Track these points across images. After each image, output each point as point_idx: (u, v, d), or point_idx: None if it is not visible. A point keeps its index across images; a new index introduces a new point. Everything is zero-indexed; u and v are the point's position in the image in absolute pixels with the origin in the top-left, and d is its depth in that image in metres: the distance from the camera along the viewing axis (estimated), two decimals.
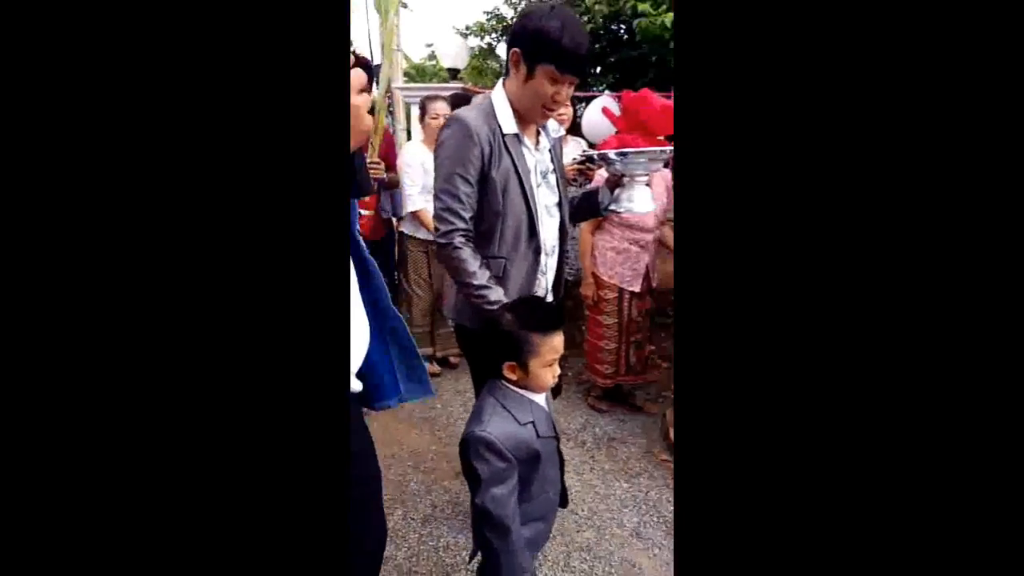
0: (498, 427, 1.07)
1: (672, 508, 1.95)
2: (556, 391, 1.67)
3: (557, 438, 1.22)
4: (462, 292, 1.31)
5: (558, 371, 1.14)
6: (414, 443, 2.37)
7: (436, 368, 2.93)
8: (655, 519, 1.88)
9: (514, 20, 1.34)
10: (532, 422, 1.12)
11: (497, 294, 1.26)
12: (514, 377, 1.12)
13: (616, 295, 2.39)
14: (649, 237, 2.31)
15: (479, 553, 1.17)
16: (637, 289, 2.36)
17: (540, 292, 1.43)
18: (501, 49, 5.92)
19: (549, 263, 1.44)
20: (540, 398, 1.17)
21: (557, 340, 1.10)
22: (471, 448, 1.07)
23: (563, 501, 1.36)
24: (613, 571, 1.67)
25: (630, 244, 2.32)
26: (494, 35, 5.81)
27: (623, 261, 2.35)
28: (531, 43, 1.19)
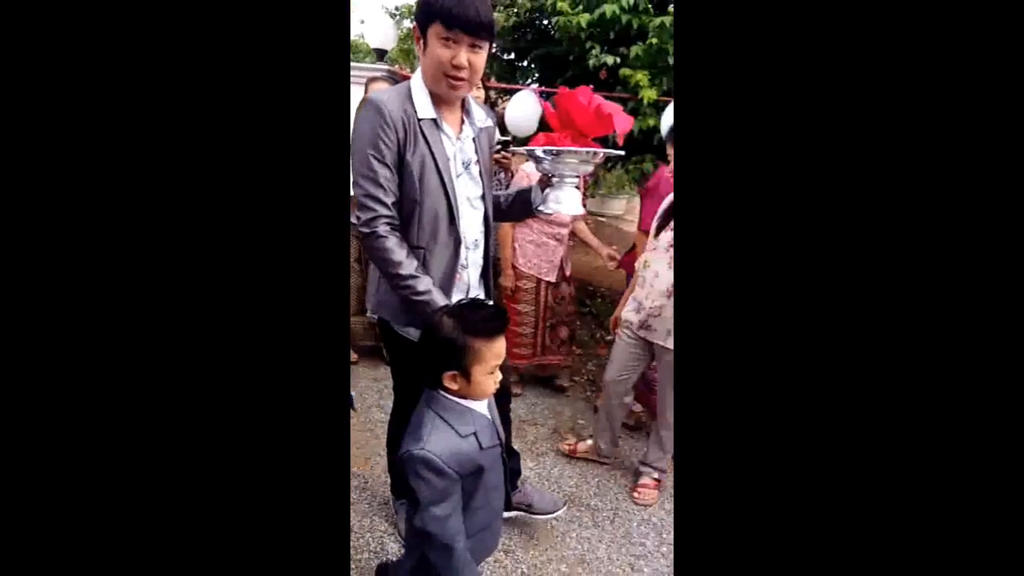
0: (438, 443, 1.01)
1: (573, 483, 2.09)
2: (506, 397, 1.64)
3: (501, 444, 1.15)
4: (389, 283, 1.26)
5: (499, 377, 1.08)
6: None
7: (354, 356, 2.93)
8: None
9: None
10: (474, 433, 1.06)
11: (426, 283, 1.22)
12: (455, 387, 1.05)
13: (534, 285, 2.53)
14: (565, 231, 2.48)
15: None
16: (553, 279, 2.52)
17: (463, 287, 1.39)
18: None
19: (471, 257, 1.39)
20: (482, 405, 1.11)
21: (500, 345, 1.05)
22: (409, 468, 1.01)
23: (507, 505, 1.28)
24: (514, 546, 1.79)
25: (548, 238, 2.48)
26: None
27: (541, 253, 2.49)
28: (420, 12, 1.19)
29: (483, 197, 1.39)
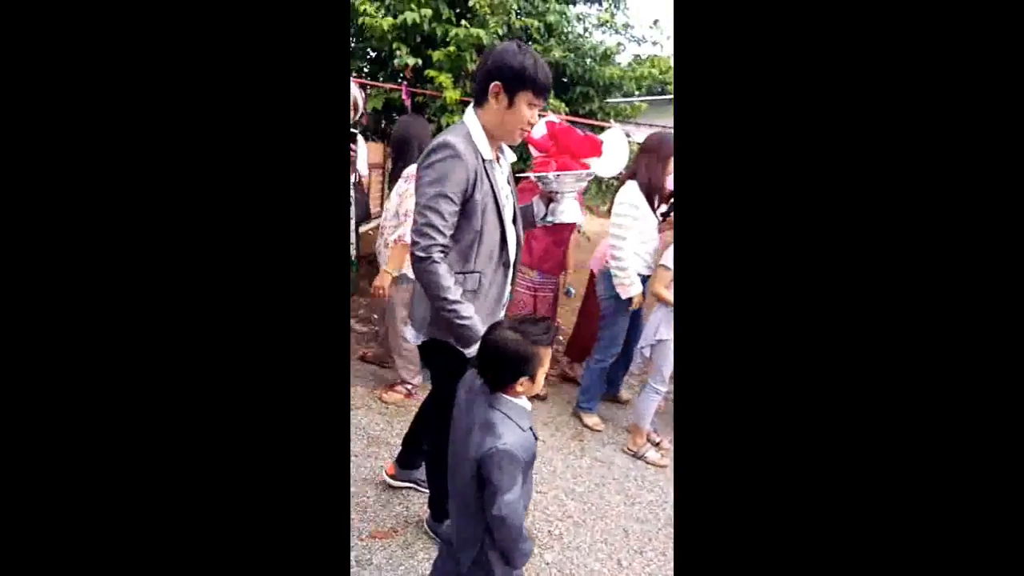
0: (512, 438, 1.19)
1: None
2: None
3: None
4: (435, 305, 1.40)
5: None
6: None
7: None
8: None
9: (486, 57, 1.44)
10: (531, 427, 1.27)
11: (469, 310, 1.39)
12: (521, 390, 1.24)
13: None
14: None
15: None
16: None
17: (505, 301, 1.59)
18: None
19: (512, 274, 1.62)
20: (527, 403, 1.30)
21: (550, 350, 1.26)
22: (492, 462, 1.16)
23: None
24: None
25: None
26: None
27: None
28: (511, 77, 1.39)
29: (515, 220, 1.60)
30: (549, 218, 1.69)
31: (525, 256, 2.82)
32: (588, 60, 3.91)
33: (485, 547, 1.26)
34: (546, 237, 2.86)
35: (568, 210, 1.66)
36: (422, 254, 1.36)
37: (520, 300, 2.85)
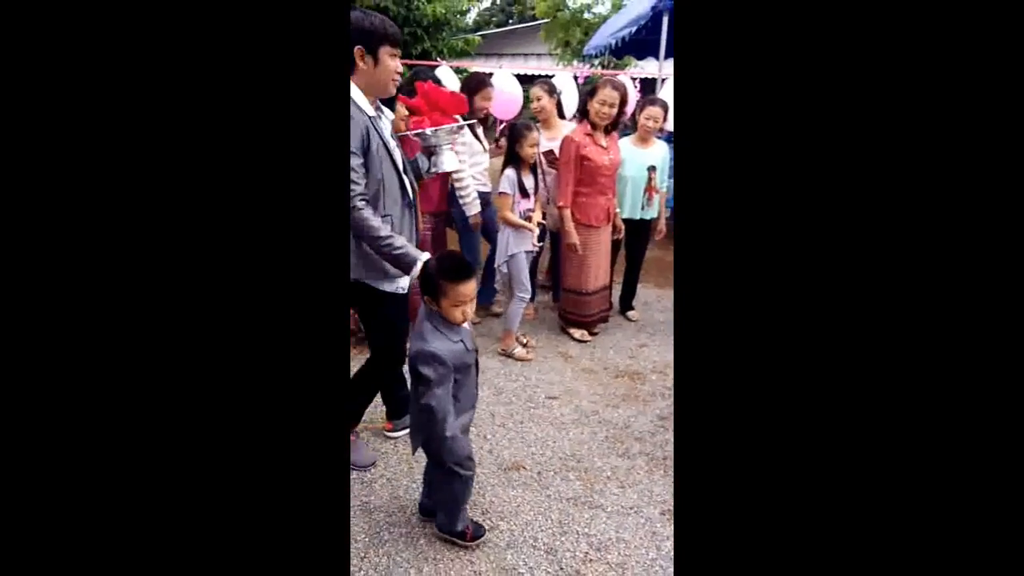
0: (438, 344, 1.44)
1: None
2: None
3: (476, 351, 1.61)
4: (371, 246, 1.61)
5: (469, 312, 1.49)
6: None
7: None
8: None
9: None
10: (462, 340, 1.50)
11: (401, 240, 1.61)
12: (432, 308, 1.48)
13: None
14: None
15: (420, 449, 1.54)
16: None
17: (415, 240, 1.77)
18: None
19: (415, 215, 1.85)
20: (467, 324, 1.54)
21: (464, 287, 1.44)
22: (420, 360, 1.43)
23: None
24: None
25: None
26: None
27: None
28: (369, 38, 1.58)
29: (406, 170, 1.80)
30: (432, 170, 1.96)
31: (423, 202, 2.94)
32: (412, 1, 3.95)
33: (429, 441, 1.52)
34: (432, 184, 3.04)
35: (447, 160, 1.95)
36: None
37: (423, 240, 3.03)
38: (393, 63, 1.64)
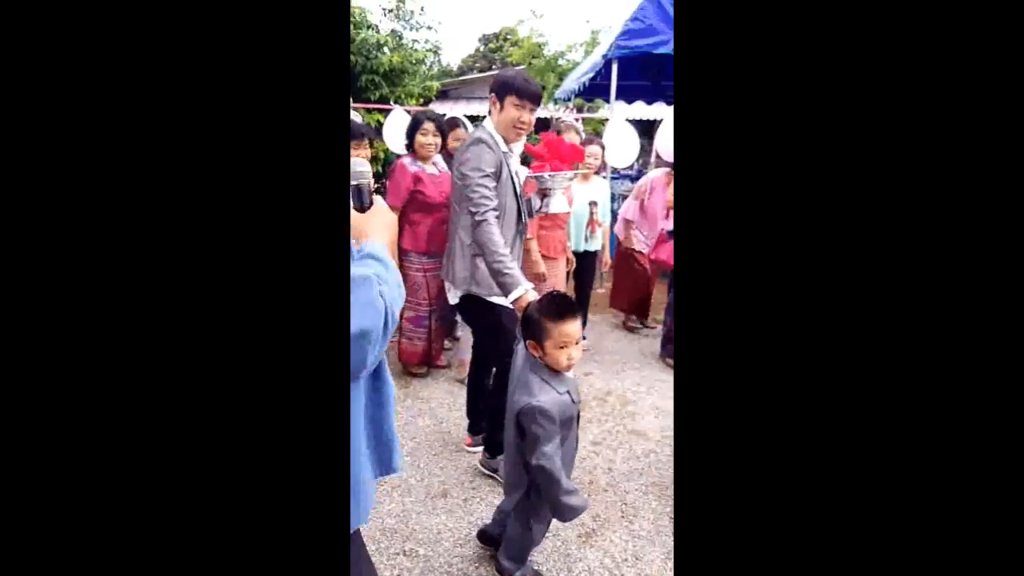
0: (546, 398, 1.37)
1: None
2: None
3: (579, 403, 1.52)
4: (487, 258, 1.76)
5: (576, 356, 1.40)
6: None
7: None
8: None
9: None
10: (568, 391, 1.43)
11: (514, 263, 1.76)
12: (536, 354, 1.42)
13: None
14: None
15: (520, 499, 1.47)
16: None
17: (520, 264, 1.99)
18: None
19: (522, 241, 2.11)
20: (570, 373, 1.46)
21: (568, 326, 1.37)
22: (528, 417, 1.35)
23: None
24: None
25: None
26: None
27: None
28: (499, 88, 1.91)
29: (521, 201, 2.07)
30: (544, 209, 2.19)
31: (412, 242, 2.90)
32: (370, 51, 4.17)
33: (531, 495, 1.46)
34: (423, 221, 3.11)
35: (556, 202, 2.18)
36: (480, 218, 1.79)
37: (415, 282, 2.89)
38: (516, 113, 1.90)
